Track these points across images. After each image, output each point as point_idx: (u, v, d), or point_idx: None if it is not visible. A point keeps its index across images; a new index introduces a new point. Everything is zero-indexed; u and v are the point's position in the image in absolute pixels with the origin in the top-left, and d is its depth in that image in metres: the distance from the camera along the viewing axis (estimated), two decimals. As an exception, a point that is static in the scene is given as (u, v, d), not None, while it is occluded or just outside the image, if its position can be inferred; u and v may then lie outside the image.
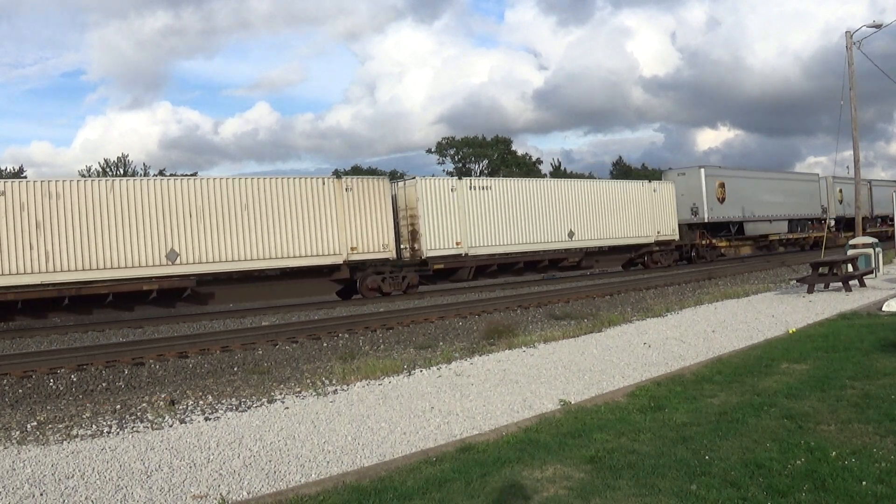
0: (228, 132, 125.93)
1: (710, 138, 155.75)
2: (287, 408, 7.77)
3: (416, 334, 14.64)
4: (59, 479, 5.49)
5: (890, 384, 6.82)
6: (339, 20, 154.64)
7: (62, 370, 11.64)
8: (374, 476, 5.13)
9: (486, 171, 70.97)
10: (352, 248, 23.78)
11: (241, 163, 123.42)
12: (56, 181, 20.16)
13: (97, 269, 20.12)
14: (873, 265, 18.98)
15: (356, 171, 68.00)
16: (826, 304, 14.04)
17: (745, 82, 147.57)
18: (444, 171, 72.80)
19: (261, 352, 13.11)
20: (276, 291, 23.51)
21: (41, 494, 5.16)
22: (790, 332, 10.77)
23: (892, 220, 34.91)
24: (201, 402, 8.53)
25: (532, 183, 30.67)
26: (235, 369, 11.81)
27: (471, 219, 26.79)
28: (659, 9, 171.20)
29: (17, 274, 19.15)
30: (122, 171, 52.93)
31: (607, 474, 4.83)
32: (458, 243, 26.45)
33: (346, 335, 14.52)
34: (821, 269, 17.14)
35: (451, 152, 75.28)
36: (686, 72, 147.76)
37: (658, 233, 33.04)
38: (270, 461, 5.75)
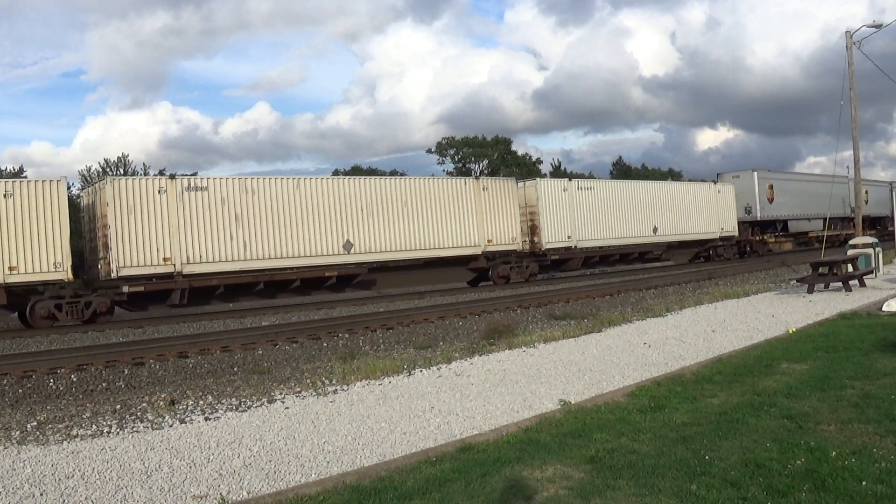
0: (228, 132, 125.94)
1: (710, 138, 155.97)
2: (287, 408, 7.77)
3: (416, 334, 14.64)
4: (59, 479, 5.49)
5: (890, 384, 6.82)
6: (338, 20, 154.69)
7: (62, 370, 11.64)
8: (374, 476, 5.13)
9: (486, 172, 70.87)
10: (488, 241, 27.56)
11: (240, 163, 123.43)
12: (251, 179, 23.36)
13: (287, 257, 23.07)
14: (873, 265, 18.97)
15: (356, 171, 67.85)
16: (826, 304, 14.03)
17: (745, 82, 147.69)
18: (443, 171, 72.75)
19: (261, 352, 13.11)
20: (421, 278, 27.16)
21: (41, 494, 5.16)
22: (790, 332, 10.77)
23: None
24: (201, 402, 8.53)
25: (625, 184, 35.31)
26: (235, 369, 11.81)
27: (579, 215, 30.59)
28: (658, 9, 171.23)
29: (220, 261, 21.84)
30: (122, 171, 52.86)
31: (607, 474, 4.83)
32: (568, 237, 30.26)
33: (346, 335, 14.52)
34: (821, 269, 17.14)
35: (451, 152, 75.24)
36: (686, 72, 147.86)
37: (722, 229, 37.06)
38: (270, 461, 5.75)
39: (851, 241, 20.53)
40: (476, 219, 27.12)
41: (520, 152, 77.64)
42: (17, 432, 7.32)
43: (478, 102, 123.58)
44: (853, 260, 17.92)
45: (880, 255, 19.80)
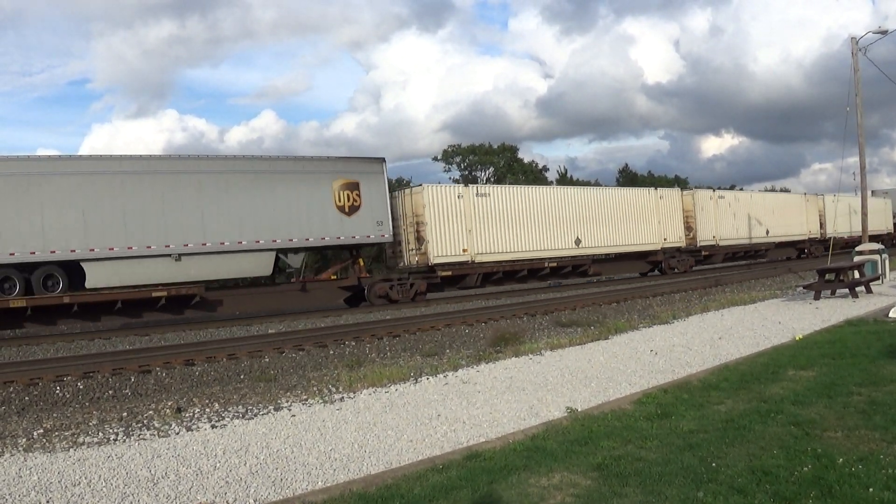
0: (234, 140, 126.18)
1: (715, 145, 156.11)
2: (293, 415, 7.78)
3: (423, 342, 14.63)
4: (66, 487, 5.50)
5: (897, 391, 6.79)
6: (343, 29, 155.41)
7: (68, 377, 11.67)
8: (380, 484, 5.13)
9: (492, 179, 70.87)
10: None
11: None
12: (723, 190, 43.49)
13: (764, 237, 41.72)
14: (880, 272, 18.89)
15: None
16: (832, 311, 13.99)
17: (749, 89, 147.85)
18: (449, 178, 72.80)
19: (267, 359, 13.12)
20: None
21: (47, 502, 5.18)
22: (797, 338, 10.74)
23: None
24: (208, 410, 8.54)
25: (837, 200, 53.01)
26: (242, 377, 11.83)
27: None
28: (662, 16, 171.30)
29: (726, 239, 38.76)
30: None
31: (614, 481, 4.82)
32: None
33: (353, 343, 14.52)
34: (827, 276, 17.08)
35: (457, 160, 75.25)
36: (689, 79, 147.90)
37: (887, 228, 53.85)
38: (277, 469, 5.76)
39: (858, 248, 20.45)
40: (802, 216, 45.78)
41: (526, 160, 77.65)
42: (24, 440, 7.34)
43: (482, 110, 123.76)
44: (860, 266, 17.86)
45: (886, 262, 19.72)
